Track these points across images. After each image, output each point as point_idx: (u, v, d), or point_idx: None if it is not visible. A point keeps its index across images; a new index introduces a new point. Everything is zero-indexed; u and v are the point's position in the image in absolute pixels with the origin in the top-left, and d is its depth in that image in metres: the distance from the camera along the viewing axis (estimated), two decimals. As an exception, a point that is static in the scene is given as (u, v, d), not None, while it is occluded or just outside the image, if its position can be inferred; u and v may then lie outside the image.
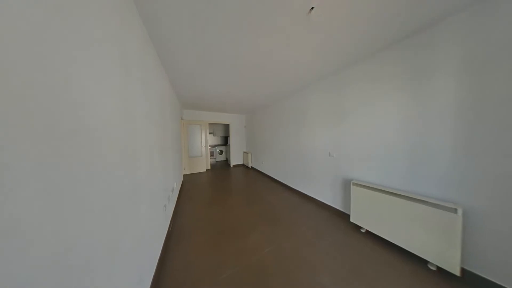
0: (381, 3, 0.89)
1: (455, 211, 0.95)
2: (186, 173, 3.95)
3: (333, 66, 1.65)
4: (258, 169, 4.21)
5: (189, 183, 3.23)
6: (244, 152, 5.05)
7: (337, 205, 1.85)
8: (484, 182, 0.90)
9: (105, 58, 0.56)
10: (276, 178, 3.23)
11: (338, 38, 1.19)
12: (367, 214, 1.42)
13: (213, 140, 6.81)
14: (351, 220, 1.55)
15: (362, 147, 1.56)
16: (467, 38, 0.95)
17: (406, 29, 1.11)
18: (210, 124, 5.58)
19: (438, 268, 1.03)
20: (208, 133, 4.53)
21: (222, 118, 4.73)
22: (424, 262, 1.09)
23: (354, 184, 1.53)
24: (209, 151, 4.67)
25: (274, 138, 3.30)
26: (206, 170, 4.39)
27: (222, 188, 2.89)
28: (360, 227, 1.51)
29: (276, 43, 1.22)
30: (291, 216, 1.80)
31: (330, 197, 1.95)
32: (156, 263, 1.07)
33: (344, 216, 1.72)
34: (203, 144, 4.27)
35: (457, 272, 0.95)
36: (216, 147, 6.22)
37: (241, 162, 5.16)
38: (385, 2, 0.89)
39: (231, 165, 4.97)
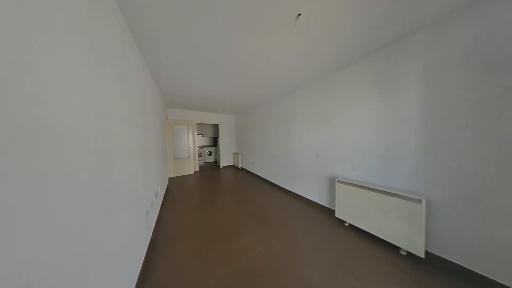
0: (359, 16, 0.98)
1: (420, 201, 1.09)
2: (171, 176, 3.72)
3: (320, 71, 1.75)
4: (248, 169, 4.20)
5: (175, 186, 3.05)
6: (234, 153, 4.99)
7: (323, 202, 1.96)
8: (441, 176, 1.06)
9: (71, 47, 0.50)
10: (266, 178, 3.26)
11: (324, 45, 1.27)
12: (350, 209, 1.53)
13: (202, 141, 6.57)
14: (336, 215, 1.65)
15: (345, 147, 1.69)
16: (426, 54, 1.11)
17: (380, 41, 1.24)
18: (198, 124, 5.37)
19: (408, 253, 1.17)
20: (196, 133, 4.35)
21: (211, 118, 4.60)
22: (396, 249, 1.23)
23: (339, 181, 1.64)
24: (197, 152, 4.48)
25: (264, 138, 3.34)
26: (194, 172, 4.21)
27: (211, 190, 2.80)
28: (344, 222, 1.62)
29: (267, 44, 1.25)
30: (281, 215, 1.83)
31: (317, 195, 2.05)
32: (137, 276, 0.98)
33: (330, 212, 1.82)
34: (191, 145, 4.08)
35: (422, 255, 1.09)
36: (204, 148, 6.01)
37: (231, 163, 5.09)
38: (362, 15, 0.98)
39: (221, 166, 4.86)
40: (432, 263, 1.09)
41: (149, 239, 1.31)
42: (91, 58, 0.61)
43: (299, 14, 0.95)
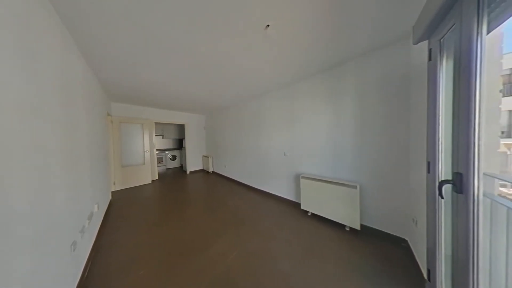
0: (314, 38, 1.19)
1: (355, 187, 1.45)
2: (117, 189, 2.92)
3: (285, 79, 1.97)
4: (220, 173, 4.00)
5: (123, 201, 2.41)
6: (204, 156, 4.60)
7: (291, 197, 2.18)
8: (367, 167, 1.47)
9: None
10: (239, 180, 3.23)
11: (288, 57, 1.44)
12: (311, 200, 1.80)
13: (162, 143, 5.62)
14: (302, 207, 1.89)
15: (308, 147, 1.97)
16: (358, 76, 1.51)
17: (329, 61, 1.56)
18: (157, 124, 4.56)
19: (350, 228, 1.51)
20: (154, 135, 3.66)
21: (175, 117, 4.03)
22: (343, 226, 1.56)
23: (303, 177, 1.89)
24: (156, 157, 3.77)
25: (236, 140, 3.31)
26: (152, 181, 3.51)
27: (175, 200, 2.43)
28: (307, 212, 1.87)
29: (239, 47, 1.26)
30: (254, 215, 1.87)
31: (286, 191, 2.25)
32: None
33: (296, 205, 2.05)
34: (147, 148, 3.39)
35: (358, 227, 1.45)
36: (166, 152, 5.17)
37: (201, 167, 4.66)
38: (316, 37, 1.19)
39: (188, 172, 4.34)
40: (364, 232, 1.47)
41: (78, 280, 0.96)
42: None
43: (268, 25, 1.03)
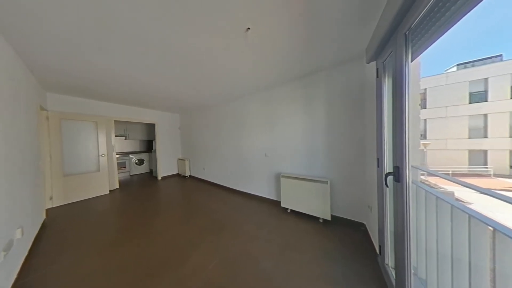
0: (291, 44, 1.29)
1: (327, 183, 1.64)
2: (57, 205, 2.27)
3: (265, 83, 2.04)
4: (198, 176, 3.72)
5: (64, 220, 1.90)
6: (179, 159, 4.17)
7: (272, 196, 2.26)
8: (334, 164, 1.69)
9: None
10: (219, 183, 3.11)
11: (267, 61, 1.50)
12: (290, 197, 1.91)
13: (126, 145, 4.80)
14: (282, 205, 1.99)
15: (287, 148, 2.10)
16: (326, 85, 1.72)
17: (303, 70, 1.72)
18: (118, 122, 3.83)
19: (323, 219, 1.70)
20: (114, 135, 3.06)
21: (143, 115, 3.50)
22: (317, 219, 1.73)
23: (283, 176, 1.99)
24: (116, 161, 3.15)
25: (216, 141, 3.17)
26: (110, 191, 2.91)
27: (142, 211, 2.10)
28: (287, 209, 1.98)
29: (216, 45, 1.22)
30: (235, 218, 1.83)
31: (267, 191, 2.32)
32: None
33: (277, 203, 2.14)
34: (103, 152, 2.80)
35: (329, 218, 1.64)
36: (130, 156, 4.41)
37: (176, 172, 4.20)
38: (293, 45, 1.29)
39: (159, 178, 3.83)
40: (334, 221, 1.68)
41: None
42: None
43: (248, 28, 1.04)
